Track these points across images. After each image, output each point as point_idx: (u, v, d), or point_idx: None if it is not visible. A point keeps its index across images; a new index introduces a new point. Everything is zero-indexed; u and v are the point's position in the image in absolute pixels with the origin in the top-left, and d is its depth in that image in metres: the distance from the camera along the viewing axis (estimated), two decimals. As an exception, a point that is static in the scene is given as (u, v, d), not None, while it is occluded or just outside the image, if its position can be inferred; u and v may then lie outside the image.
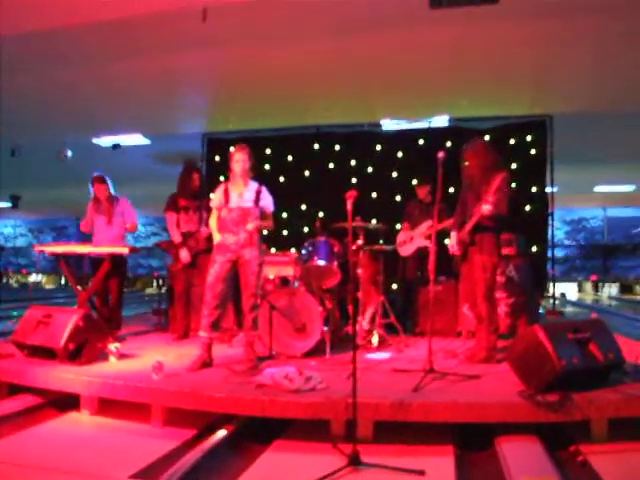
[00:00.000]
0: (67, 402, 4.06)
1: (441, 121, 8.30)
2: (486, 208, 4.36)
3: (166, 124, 8.99)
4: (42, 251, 5.62)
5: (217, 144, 8.65)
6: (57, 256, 5.60)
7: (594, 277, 18.45)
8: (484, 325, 4.64)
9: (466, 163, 4.81)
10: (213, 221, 4.72)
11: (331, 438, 3.37)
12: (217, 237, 4.63)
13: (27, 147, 9.35)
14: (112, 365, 4.53)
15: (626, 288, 18.35)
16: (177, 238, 5.94)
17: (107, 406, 3.96)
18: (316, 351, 4.94)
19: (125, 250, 5.48)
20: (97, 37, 5.66)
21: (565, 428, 3.49)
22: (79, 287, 5.64)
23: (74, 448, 3.35)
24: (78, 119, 8.47)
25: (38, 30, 5.16)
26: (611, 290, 18.41)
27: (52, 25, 5.16)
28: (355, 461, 2.95)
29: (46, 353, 4.43)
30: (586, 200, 16.54)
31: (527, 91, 7.39)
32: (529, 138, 7.77)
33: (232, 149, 4.68)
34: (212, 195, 4.83)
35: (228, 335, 5.71)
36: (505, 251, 5.89)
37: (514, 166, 7.71)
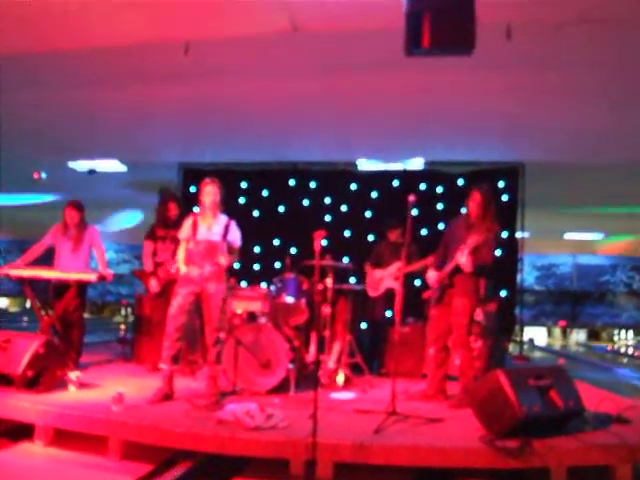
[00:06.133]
0: (20, 432, 3.94)
1: (416, 164, 8.44)
2: (462, 261, 4.45)
3: (143, 152, 8.97)
4: (7, 274, 5.49)
5: (193, 174, 8.62)
6: (23, 280, 5.50)
7: (563, 323, 18.66)
8: (466, 370, 4.69)
9: (475, 202, 4.74)
10: (181, 253, 4.71)
11: (290, 478, 3.32)
12: (182, 269, 4.61)
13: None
14: (71, 394, 4.43)
15: (593, 334, 18.62)
16: (148, 267, 5.97)
17: (62, 437, 3.86)
18: (281, 388, 4.89)
19: (93, 277, 5.41)
20: (78, 63, 5.67)
21: (525, 475, 3.49)
22: (43, 312, 5.53)
23: (24, 481, 3.25)
24: (55, 142, 8.42)
25: (16, 53, 5.16)
26: (579, 336, 18.64)
27: (32, 49, 5.18)
28: (312, 503, 2.92)
29: (2, 379, 4.31)
30: (556, 246, 16.84)
31: (500, 138, 7.57)
32: (501, 184, 7.93)
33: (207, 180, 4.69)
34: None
35: (193, 368, 5.64)
36: (487, 308, 5.94)
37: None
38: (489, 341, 5.96)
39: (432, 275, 4.87)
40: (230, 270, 4.64)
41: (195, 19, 4.65)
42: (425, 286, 5.06)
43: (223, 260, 4.49)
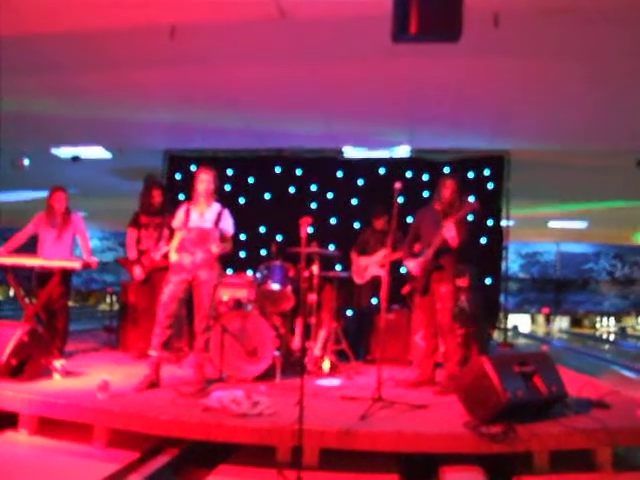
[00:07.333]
0: (4, 421, 3.90)
1: (402, 151, 8.44)
2: (451, 235, 4.49)
3: (128, 138, 8.88)
4: (-12, 263, 5.42)
5: (178, 161, 8.59)
6: (5, 268, 5.43)
7: (546, 310, 18.87)
8: (451, 355, 4.75)
9: (450, 189, 4.83)
10: (174, 241, 4.70)
11: (276, 464, 3.33)
12: (173, 256, 4.59)
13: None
14: (56, 383, 4.40)
15: (576, 322, 18.88)
16: (132, 255, 5.94)
17: (47, 426, 3.84)
18: (267, 375, 4.90)
19: (77, 264, 5.36)
20: (61, 47, 5.58)
21: (509, 459, 3.54)
22: (27, 300, 5.48)
23: (8, 470, 3.23)
24: (37, 128, 8.29)
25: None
26: (562, 323, 18.88)
27: (13, 33, 5.08)
28: (299, 488, 2.93)
29: (-15, 368, 4.27)
30: (540, 235, 16.97)
31: (486, 127, 7.58)
32: (487, 172, 7.96)
33: (195, 168, 4.67)
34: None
35: (179, 355, 5.63)
36: (458, 283, 6.00)
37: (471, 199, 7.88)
38: (472, 327, 6.01)
39: (413, 264, 4.83)
40: (219, 258, 4.63)
41: (181, 3, 4.58)
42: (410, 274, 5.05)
43: (215, 248, 4.47)
